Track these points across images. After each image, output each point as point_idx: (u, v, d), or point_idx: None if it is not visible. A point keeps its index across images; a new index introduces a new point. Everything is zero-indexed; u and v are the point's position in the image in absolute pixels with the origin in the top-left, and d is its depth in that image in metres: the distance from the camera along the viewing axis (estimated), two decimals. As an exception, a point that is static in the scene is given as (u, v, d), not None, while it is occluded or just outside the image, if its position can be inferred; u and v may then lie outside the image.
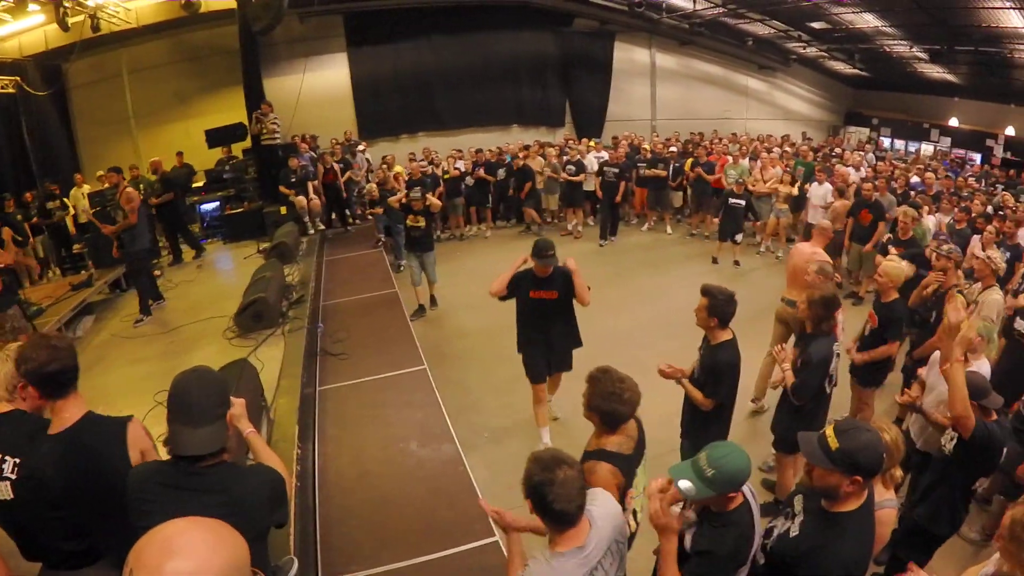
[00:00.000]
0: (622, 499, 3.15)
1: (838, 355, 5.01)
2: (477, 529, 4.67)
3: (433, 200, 9.79)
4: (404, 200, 9.82)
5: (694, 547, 2.90)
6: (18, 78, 11.96)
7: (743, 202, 11.59)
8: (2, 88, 11.40)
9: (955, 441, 3.89)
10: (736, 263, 11.93)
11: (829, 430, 2.70)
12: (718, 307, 4.52)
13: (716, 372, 4.55)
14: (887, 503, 3.26)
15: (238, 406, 2.78)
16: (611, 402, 3.26)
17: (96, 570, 2.49)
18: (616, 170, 13.39)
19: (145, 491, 2.42)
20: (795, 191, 11.69)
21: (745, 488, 2.89)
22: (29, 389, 2.89)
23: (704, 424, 4.67)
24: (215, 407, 2.50)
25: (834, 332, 4.95)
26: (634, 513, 3.48)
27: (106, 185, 11.64)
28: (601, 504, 2.74)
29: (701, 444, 3.04)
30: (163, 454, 2.62)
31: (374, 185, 12.21)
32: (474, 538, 4.59)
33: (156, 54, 15.36)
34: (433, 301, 10.35)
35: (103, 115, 15.22)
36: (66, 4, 11.31)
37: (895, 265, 4.68)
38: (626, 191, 14.17)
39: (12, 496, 2.84)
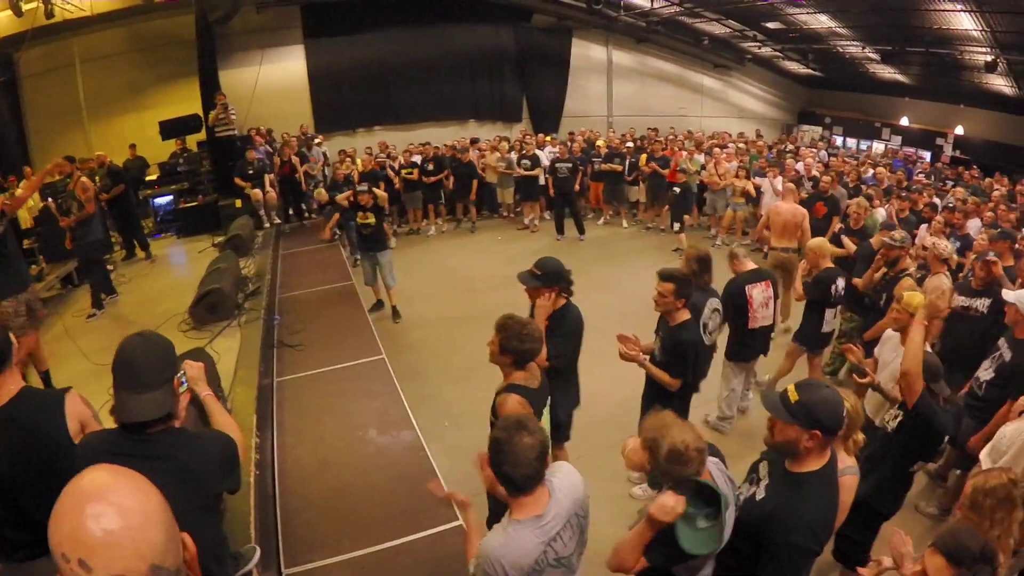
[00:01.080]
0: None
1: (716, 310, 5.73)
2: (440, 514, 4.66)
3: (378, 192, 9.35)
4: (351, 199, 9.67)
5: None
6: None
7: (680, 189, 12.32)
8: (-51, 78, 11.06)
9: (898, 420, 3.97)
10: (677, 250, 12.06)
11: (791, 386, 2.80)
12: (683, 289, 4.68)
13: (680, 352, 4.70)
14: (849, 470, 3.32)
15: (196, 369, 2.85)
16: (525, 341, 3.59)
17: (48, 563, 2.35)
18: (569, 165, 13.47)
19: (92, 461, 2.29)
20: (751, 188, 11.86)
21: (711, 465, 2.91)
22: None
23: (666, 404, 4.71)
24: (160, 371, 2.40)
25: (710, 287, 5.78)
26: None
27: (58, 177, 11.37)
28: (563, 476, 2.75)
29: None
30: (107, 424, 2.59)
31: (323, 190, 12.16)
32: (437, 523, 4.59)
33: (110, 43, 14.97)
34: (396, 313, 9.68)
35: (55, 106, 14.80)
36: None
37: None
38: (582, 186, 14.35)
39: None
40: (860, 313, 7.08)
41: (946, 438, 4.15)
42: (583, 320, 4.88)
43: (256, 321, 7.69)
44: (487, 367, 7.45)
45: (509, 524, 2.61)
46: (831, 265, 6.54)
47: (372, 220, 9.18)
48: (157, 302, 8.80)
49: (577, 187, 13.74)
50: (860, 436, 3.51)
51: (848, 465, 3.35)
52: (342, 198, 10.56)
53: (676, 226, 12.35)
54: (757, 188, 11.74)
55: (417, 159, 14.19)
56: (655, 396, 4.94)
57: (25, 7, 11.75)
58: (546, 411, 3.83)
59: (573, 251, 12.50)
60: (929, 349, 4.59)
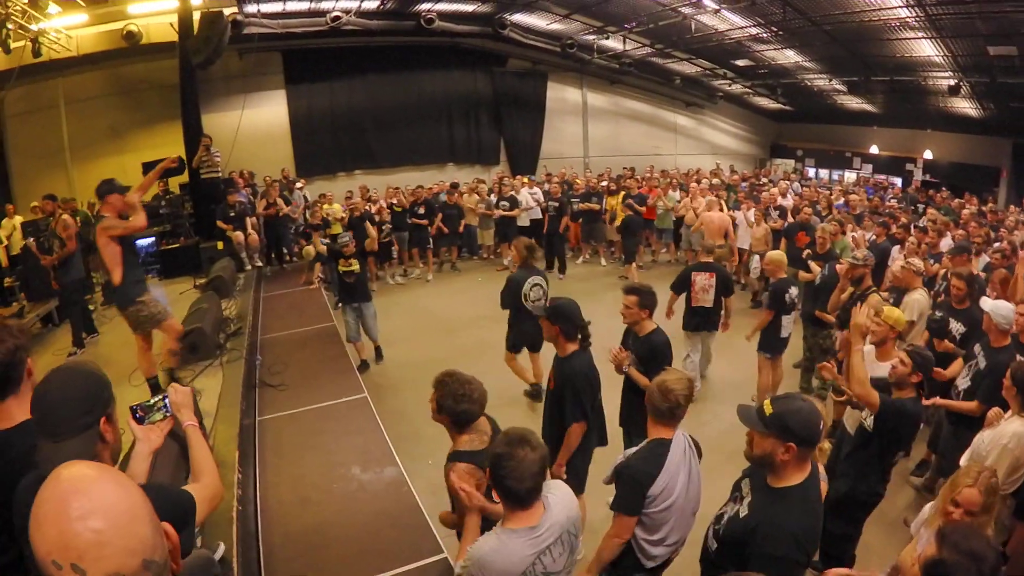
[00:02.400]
0: (487, 494, 3.11)
1: (537, 285, 7.60)
2: (423, 547, 4.69)
3: (371, 231, 9.27)
4: (327, 243, 9.44)
5: None
6: None
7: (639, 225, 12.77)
8: (-65, 115, 11.07)
9: (873, 417, 4.20)
10: (623, 277, 12.66)
11: (767, 400, 2.88)
12: (646, 300, 5.13)
13: (656, 356, 4.97)
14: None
15: (181, 394, 2.62)
16: (461, 403, 3.34)
17: None
18: (556, 204, 13.78)
19: (25, 512, 2.03)
20: (731, 228, 12.07)
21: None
22: None
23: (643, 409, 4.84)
24: (78, 416, 2.02)
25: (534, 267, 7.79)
26: None
27: (40, 215, 11.39)
28: (559, 494, 2.82)
29: (643, 427, 3.49)
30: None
31: (311, 248, 12.06)
32: (420, 556, 4.60)
33: (93, 85, 15.14)
34: (379, 354, 9.42)
35: (38, 146, 14.92)
36: (9, 26, 11.09)
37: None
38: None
39: None
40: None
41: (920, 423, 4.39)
42: (588, 371, 4.61)
43: (238, 361, 7.72)
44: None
45: (502, 531, 2.66)
46: (785, 276, 7.41)
47: (356, 267, 8.68)
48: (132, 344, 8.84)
49: (561, 228, 13.85)
50: (826, 444, 3.65)
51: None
52: (319, 244, 10.61)
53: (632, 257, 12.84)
54: (733, 221, 11.93)
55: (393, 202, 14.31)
56: (635, 402, 5.12)
57: (13, 45, 11.85)
58: None
59: (551, 289, 12.47)
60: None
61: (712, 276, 7.62)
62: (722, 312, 7.87)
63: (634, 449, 3.50)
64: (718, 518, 3.16)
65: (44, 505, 1.15)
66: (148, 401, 2.53)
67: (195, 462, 2.59)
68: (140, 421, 2.48)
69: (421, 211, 13.92)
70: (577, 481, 4.66)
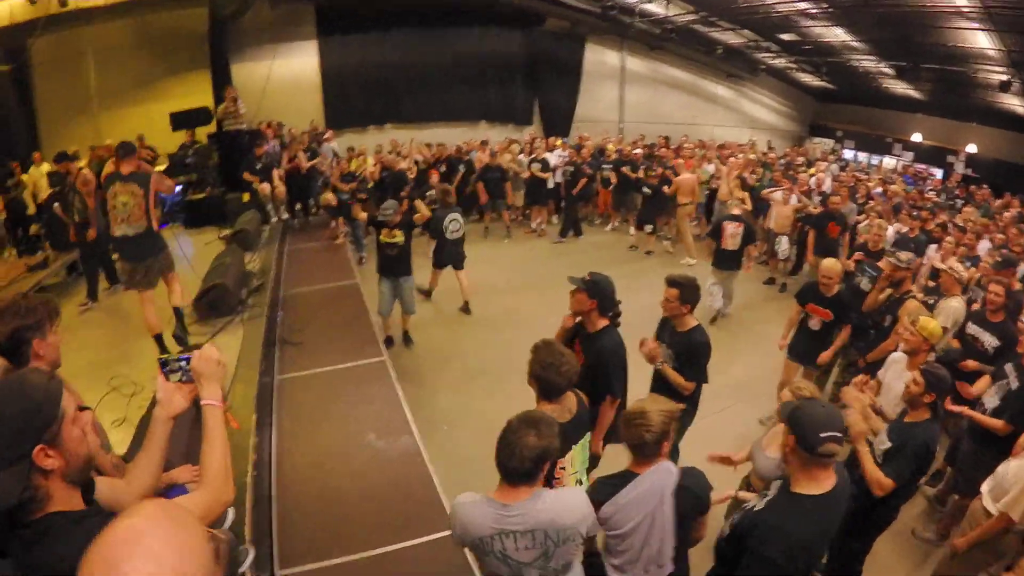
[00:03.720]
0: (552, 467, 3.24)
1: (454, 219, 9.18)
2: (435, 521, 4.63)
3: (423, 211, 8.30)
4: (372, 214, 8.57)
5: None
6: None
7: (651, 191, 12.53)
8: (-38, 63, 11.05)
9: (885, 448, 3.97)
10: (649, 253, 12.65)
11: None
12: (688, 295, 4.72)
13: (695, 355, 4.72)
14: None
15: (205, 362, 2.24)
16: (548, 372, 3.40)
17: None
18: (572, 168, 13.58)
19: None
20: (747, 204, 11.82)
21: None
22: None
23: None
24: (7, 444, 1.67)
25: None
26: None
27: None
28: (562, 497, 2.81)
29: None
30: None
31: (331, 195, 11.95)
32: (431, 530, 4.54)
33: (122, 34, 14.91)
34: (407, 339, 8.78)
35: (65, 95, 14.74)
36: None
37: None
38: (590, 191, 14.31)
39: None
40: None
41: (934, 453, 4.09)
42: (618, 348, 4.64)
43: (259, 318, 7.70)
44: (486, 373, 7.54)
45: (481, 496, 2.77)
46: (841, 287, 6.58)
47: (400, 239, 7.97)
48: (160, 294, 8.78)
49: (575, 191, 13.67)
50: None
51: None
52: (360, 214, 10.47)
53: (648, 228, 12.66)
54: (767, 201, 11.60)
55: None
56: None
57: None
58: (583, 445, 3.75)
59: (575, 257, 12.40)
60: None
61: (740, 225, 9.23)
62: (744, 257, 9.50)
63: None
64: (742, 508, 3.18)
65: (101, 546, 1.13)
66: (176, 357, 2.32)
67: (203, 458, 2.20)
68: (166, 377, 2.29)
69: (442, 169, 13.80)
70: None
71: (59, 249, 9.72)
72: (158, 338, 6.73)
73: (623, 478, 3.13)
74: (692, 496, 3.10)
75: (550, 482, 3.51)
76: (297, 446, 5.71)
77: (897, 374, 4.78)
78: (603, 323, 4.59)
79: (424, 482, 5.13)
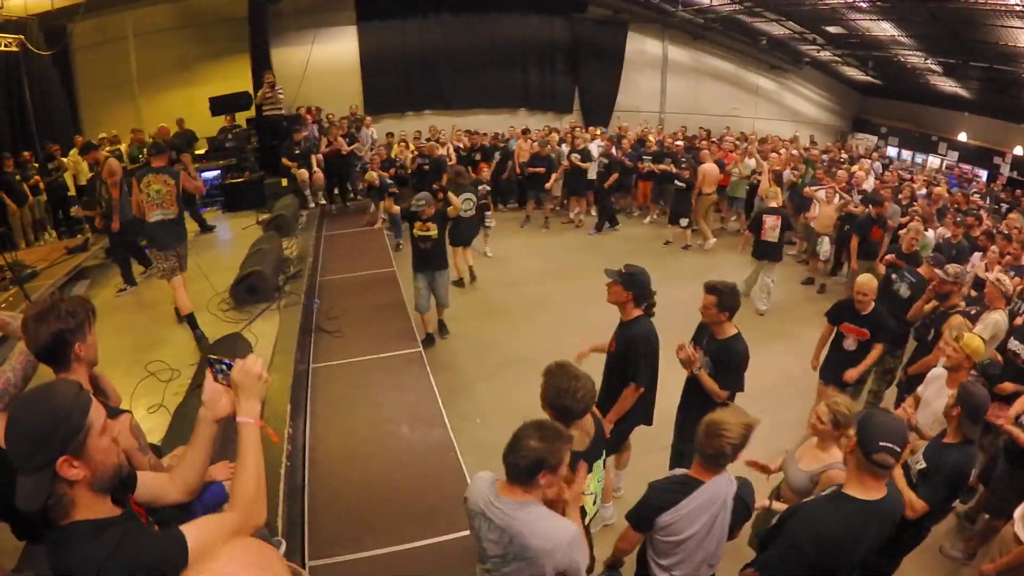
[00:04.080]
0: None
1: (468, 199, 9.22)
2: (464, 519, 4.61)
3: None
4: (404, 207, 8.32)
5: None
6: (22, 37, 11.67)
7: (684, 185, 12.41)
8: (5, 46, 11.14)
9: (920, 468, 3.88)
10: (686, 247, 12.51)
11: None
12: (725, 301, 4.58)
13: (733, 364, 4.61)
14: (837, 465, 3.50)
15: (246, 375, 2.14)
16: (563, 399, 3.27)
17: None
18: (606, 160, 13.43)
19: None
20: (780, 199, 11.66)
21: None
22: None
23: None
24: (29, 454, 1.73)
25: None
26: (582, 512, 3.59)
27: (106, 149, 11.54)
28: (543, 522, 2.75)
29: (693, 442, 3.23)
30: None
31: (375, 173, 11.94)
32: (460, 527, 4.50)
33: (162, 18, 15.16)
34: (443, 328, 8.62)
35: (106, 78, 14.99)
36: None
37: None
38: (629, 183, 14.20)
39: None
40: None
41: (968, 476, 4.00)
42: (651, 336, 4.66)
43: (296, 306, 7.73)
44: (521, 363, 7.52)
45: (496, 477, 2.88)
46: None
47: (434, 233, 7.76)
48: (196, 279, 8.84)
49: (607, 184, 13.47)
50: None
51: (837, 460, 3.56)
52: (373, 177, 11.00)
53: (683, 222, 12.50)
54: (810, 198, 11.35)
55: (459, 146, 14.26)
56: (696, 406, 4.80)
57: None
58: (598, 466, 3.72)
59: (612, 248, 12.35)
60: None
61: (778, 218, 9.59)
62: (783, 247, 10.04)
63: (672, 473, 3.39)
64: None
65: None
66: (221, 359, 2.24)
67: (235, 479, 2.14)
68: (215, 377, 2.25)
69: (477, 158, 13.74)
70: (614, 442, 4.87)
71: (99, 232, 9.85)
72: (190, 318, 6.94)
73: (686, 485, 3.12)
74: (743, 506, 3.16)
75: None
76: (330, 436, 5.75)
77: (937, 391, 4.64)
78: (636, 312, 4.66)
79: (456, 477, 5.12)
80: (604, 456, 3.81)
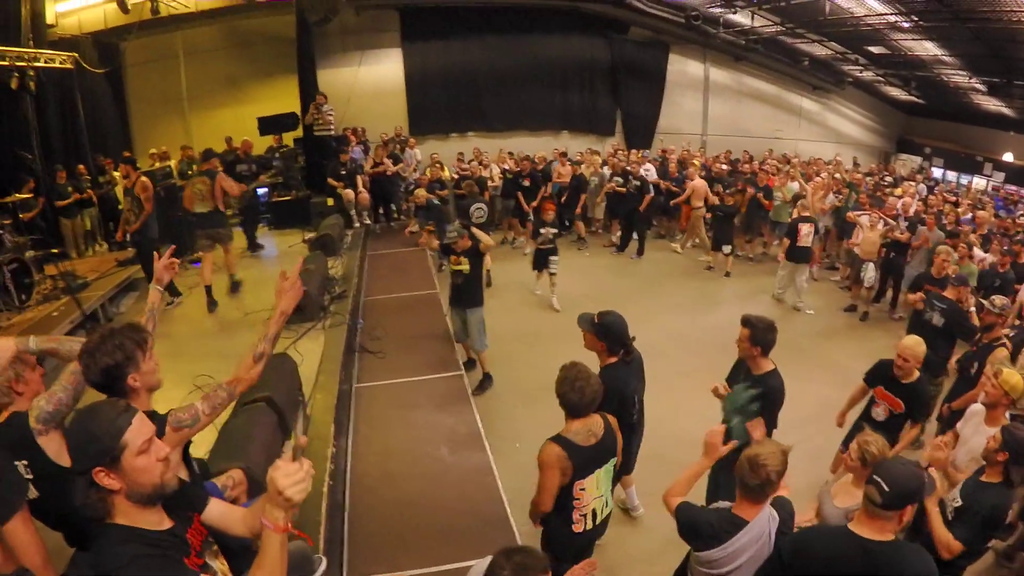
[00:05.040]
0: (570, 486, 3.68)
1: (479, 207, 9.89)
2: (499, 541, 4.70)
3: (485, 240, 7.55)
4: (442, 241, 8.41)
5: None
6: (75, 54, 12.12)
7: (726, 213, 12.53)
8: (59, 63, 11.58)
9: (956, 505, 3.83)
10: (727, 274, 12.40)
11: None
12: (759, 336, 4.53)
13: (767, 401, 4.51)
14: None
15: (284, 476, 1.92)
16: (568, 391, 3.64)
17: None
18: (638, 183, 13.35)
19: None
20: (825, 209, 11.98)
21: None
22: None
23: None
24: (73, 460, 1.95)
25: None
26: (593, 514, 3.87)
27: (156, 164, 11.94)
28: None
29: (732, 474, 3.30)
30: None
31: (423, 190, 12.09)
32: (494, 550, 4.61)
33: (211, 38, 15.59)
34: (487, 379, 8.00)
35: (156, 95, 15.47)
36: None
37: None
38: (671, 207, 14.23)
39: (38, 493, 2.96)
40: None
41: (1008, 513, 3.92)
42: (618, 386, 4.55)
43: (340, 326, 7.89)
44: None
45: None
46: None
47: (465, 267, 7.49)
48: (244, 293, 9.13)
49: (642, 208, 13.41)
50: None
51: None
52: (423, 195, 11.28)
53: (726, 249, 12.49)
54: (853, 222, 11.24)
55: (506, 167, 14.35)
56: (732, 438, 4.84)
57: (131, 2, 12.33)
58: (607, 471, 3.87)
59: (651, 271, 12.42)
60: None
61: (811, 226, 10.65)
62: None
63: (717, 506, 3.41)
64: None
65: None
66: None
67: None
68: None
69: (526, 183, 13.76)
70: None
71: (117, 245, 10.27)
72: (208, 289, 8.78)
73: (734, 524, 3.14)
74: (782, 535, 3.20)
75: (571, 503, 3.75)
76: (371, 456, 5.87)
77: (975, 428, 4.55)
78: (610, 360, 4.67)
79: (494, 501, 5.22)
80: (613, 461, 3.91)
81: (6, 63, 10.19)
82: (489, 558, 2.80)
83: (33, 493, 2.94)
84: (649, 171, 14.30)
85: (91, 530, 2.01)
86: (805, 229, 10.52)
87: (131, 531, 1.97)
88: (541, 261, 10.62)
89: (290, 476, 1.91)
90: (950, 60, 15.80)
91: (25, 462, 2.91)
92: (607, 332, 4.60)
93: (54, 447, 2.90)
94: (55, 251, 9.69)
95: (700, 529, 3.17)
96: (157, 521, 2.05)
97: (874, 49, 17.02)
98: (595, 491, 3.82)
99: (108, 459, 1.91)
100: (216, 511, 2.34)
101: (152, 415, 2.60)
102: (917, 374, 5.14)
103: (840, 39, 16.93)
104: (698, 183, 13.10)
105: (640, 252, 13.55)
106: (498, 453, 6.03)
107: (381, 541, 4.82)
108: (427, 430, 6.30)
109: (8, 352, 3.04)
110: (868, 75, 19.62)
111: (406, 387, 7.11)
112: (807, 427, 6.82)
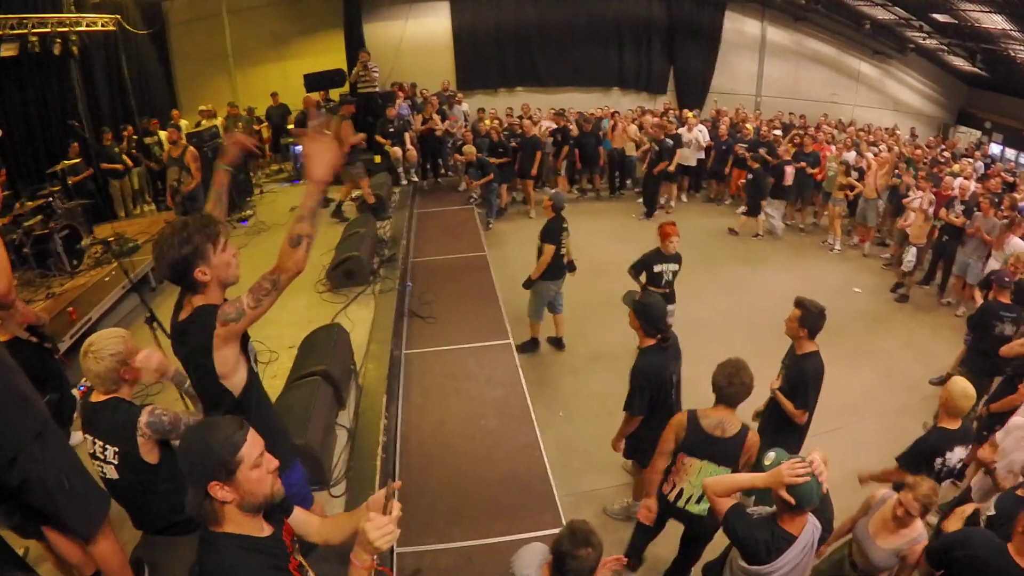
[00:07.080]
0: (676, 452, 3.97)
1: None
2: (545, 519, 4.81)
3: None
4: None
5: None
6: (118, 16, 12.19)
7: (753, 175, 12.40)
8: (103, 26, 11.60)
9: (989, 515, 3.79)
10: (757, 235, 12.55)
11: None
12: (808, 319, 4.59)
13: (802, 382, 4.60)
14: (921, 538, 3.55)
15: (376, 529, 2.09)
16: (719, 375, 3.86)
17: (192, 538, 2.25)
18: (658, 148, 13.09)
19: None
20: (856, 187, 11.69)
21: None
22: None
23: (783, 435, 4.67)
24: (187, 472, 2.05)
25: None
26: (681, 493, 4.06)
27: (203, 124, 12.07)
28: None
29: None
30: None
31: (472, 148, 12.13)
32: (541, 527, 4.68)
33: (256, -6, 15.56)
34: (559, 344, 8.26)
35: (201, 53, 15.47)
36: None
37: None
38: (722, 170, 14.18)
39: (118, 476, 3.09)
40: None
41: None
42: (656, 370, 4.64)
43: (390, 291, 7.87)
44: (608, 358, 7.60)
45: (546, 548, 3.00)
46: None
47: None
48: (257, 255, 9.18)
49: (656, 171, 13.14)
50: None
51: (920, 532, 3.61)
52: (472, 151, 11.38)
53: (757, 210, 12.42)
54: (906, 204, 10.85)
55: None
56: (772, 428, 4.81)
57: None
58: (712, 470, 3.94)
59: (705, 242, 11.97)
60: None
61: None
62: None
63: (759, 511, 3.37)
64: None
65: None
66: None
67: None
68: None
69: (559, 139, 13.99)
70: (639, 457, 5.03)
71: (166, 208, 10.46)
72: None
73: (781, 540, 3.12)
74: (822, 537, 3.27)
75: (672, 465, 4.07)
76: (423, 427, 5.94)
77: (1016, 442, 4.40)
78: (648, 342, 4.70)
79: (541, 478, 5.27)
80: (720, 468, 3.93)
81: (48, 29, 10.25)
82: (537, 544, 3.04)
83: (114, 474, 3.09)
84: (702, 132, 14.13)
85: (203, 533, 2.10)
86: (790, 170, 11.72)
87: (243, 539, 2.10)
88: None
89: (381, 529, 2.08)
90: (1019, 35, 15.20)
91: (116, 449, 3.04)
92: (644, 314, 4.63)
93: (147, 447, 3.06)
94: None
95: (758, 548, 3.13)
96: (260, 527, 2.17)
97: (940, 17, 16.45)
98: (694, 476, 3.95)
99: (224, 473, 2.00)
100: (297, 518, 2.45)
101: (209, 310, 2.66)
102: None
103: (904, 4, 16.41)
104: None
105: (649, 214, 13.40)
106: (542, 422, 6.07)
107: (432, 513, 4.90)
108: (478, 402, 6.33)
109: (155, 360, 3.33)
110: (932, 43, 18.96)
111: (456, 355, 7.11)
112: (847, 415, 6.86)
